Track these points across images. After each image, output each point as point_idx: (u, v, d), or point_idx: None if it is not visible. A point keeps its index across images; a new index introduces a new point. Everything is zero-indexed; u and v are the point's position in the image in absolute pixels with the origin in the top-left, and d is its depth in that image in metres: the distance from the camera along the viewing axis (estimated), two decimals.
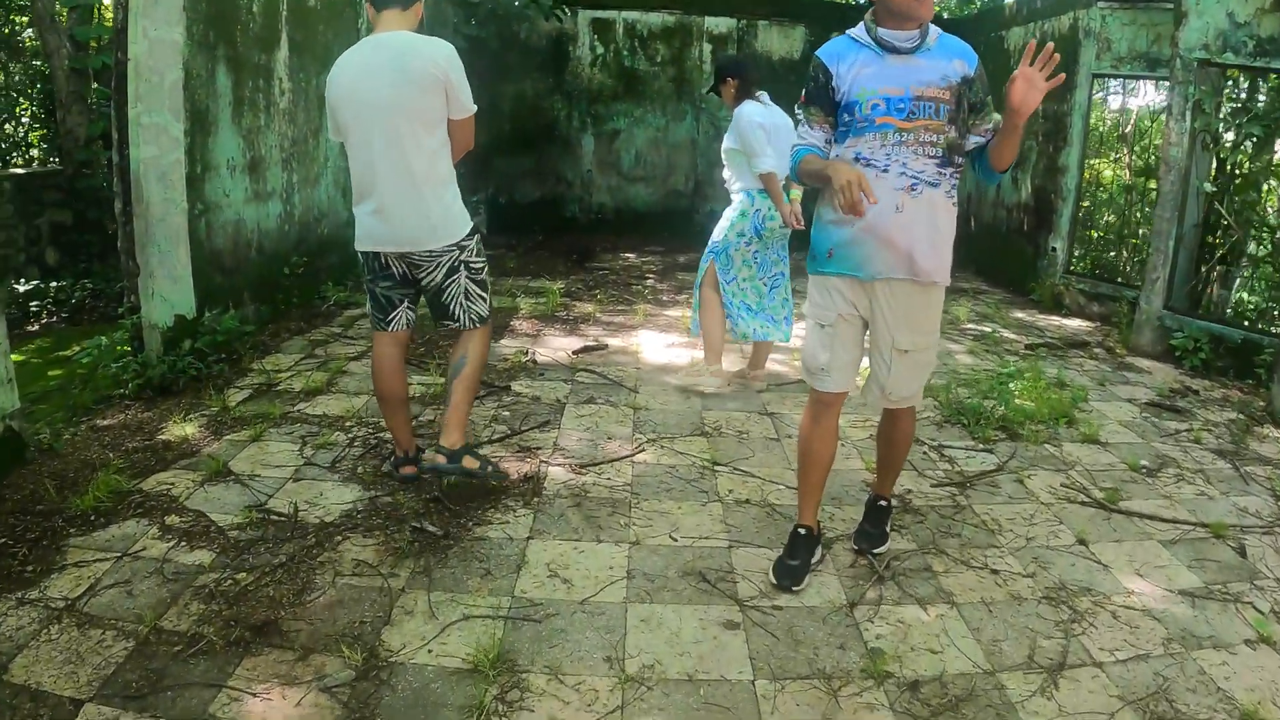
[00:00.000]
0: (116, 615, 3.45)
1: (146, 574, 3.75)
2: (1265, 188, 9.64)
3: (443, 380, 6.09)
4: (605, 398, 6.14)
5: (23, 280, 9.42)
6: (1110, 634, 3.60)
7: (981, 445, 5.57)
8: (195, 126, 6.34)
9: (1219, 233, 8.96)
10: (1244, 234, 8.89)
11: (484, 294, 4.56)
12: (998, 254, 11.33)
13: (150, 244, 5.99)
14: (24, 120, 12.78)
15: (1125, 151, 13.43)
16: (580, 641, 3.39)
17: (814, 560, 3.95)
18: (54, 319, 8.87)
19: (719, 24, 12.83)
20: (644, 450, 5.24)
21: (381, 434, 5.23)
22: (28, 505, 4.28)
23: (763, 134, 5.88)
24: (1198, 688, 3.29)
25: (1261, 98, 8.69)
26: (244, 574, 3.76)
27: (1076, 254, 10.91)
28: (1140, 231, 11.51)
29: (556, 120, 13.17)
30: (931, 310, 3.73)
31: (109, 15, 9.68)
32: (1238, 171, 8.96)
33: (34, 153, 12.53)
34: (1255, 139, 8.50)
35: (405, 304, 4.56)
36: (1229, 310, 10.75)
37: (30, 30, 12.12)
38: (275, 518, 4.26)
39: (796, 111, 3.76)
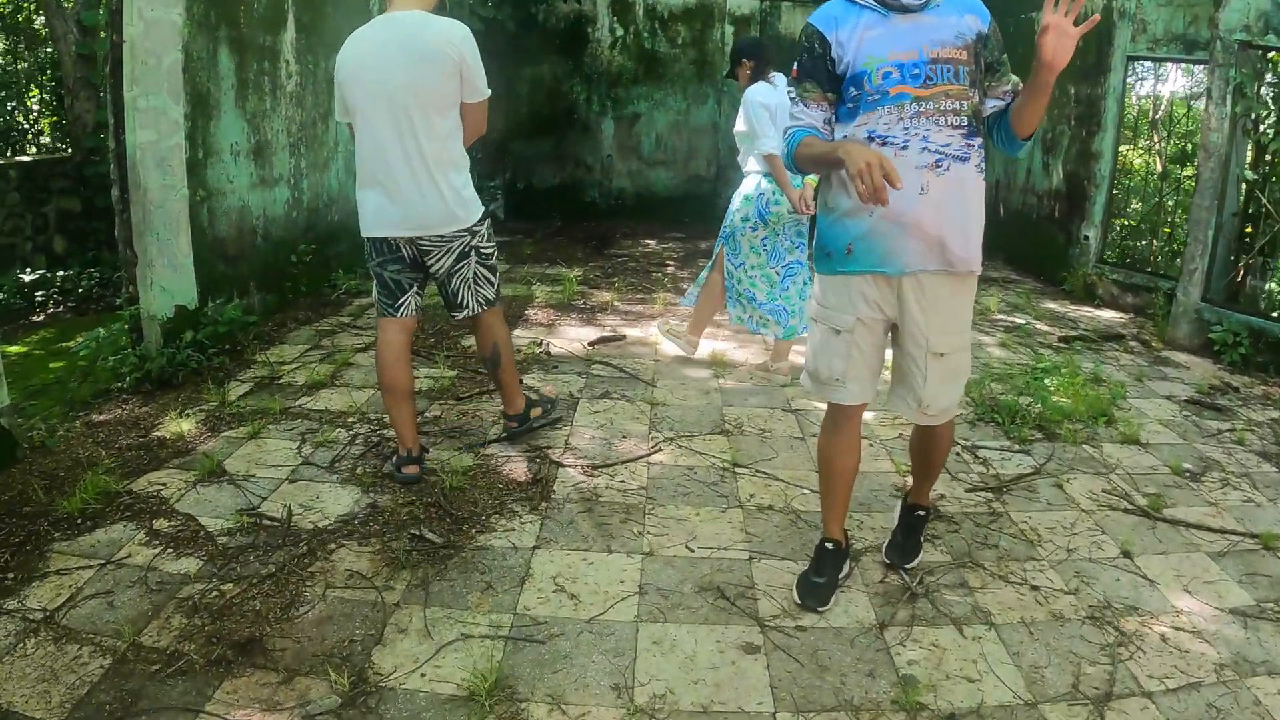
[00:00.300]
0: (95, 629, 3.25)
1: (129, 583, 3.54)
2: None
3: (451, 374, 6.02)
4: (621, 392, 5.89)
5: (29, 269, 9.24)
6: (1159, 659, 3.32)
7: (1018, 446, 5.27)
8: (196, 110, 6.12)
9: (1259, 222, 8.69)
10: None
11: (493, 279, 4.54)
12: (1028, 242, 10.97)
13: (148, 232, 5.77)
14: (34, 107, 12.62)
15: (1155, 138, 13.13)
16: (586, 666, 3.13)
17: (842, 575, 3.66)
18: (60, 309, 8.71)
19: (742, 5, 12.48)
20: (660, 450, 4.98)
21: (384, 431, 5.00)
22: (15, 507, 4.09)
23: (766, 114, 5.72)
24: None
25: None
26: (230, 585, 3.54)
27: (1109, 238, 10.60)
28: (1170, 220, 11.23)
29: (575, 104, 12.90)
30: (966, 303, 3.35)
31: None
32: (1278, 158, 8.65)
33: (45, 140, 12.36)
34: None
35: (414, 289, 4.46)
36: (1263, 302, 10.48)
37: (40, 16, 11.94)
38: (267, 522, 4.03)
39: (789, 90, 3.31)
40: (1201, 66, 10.57)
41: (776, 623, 3.42)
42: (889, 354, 3.45)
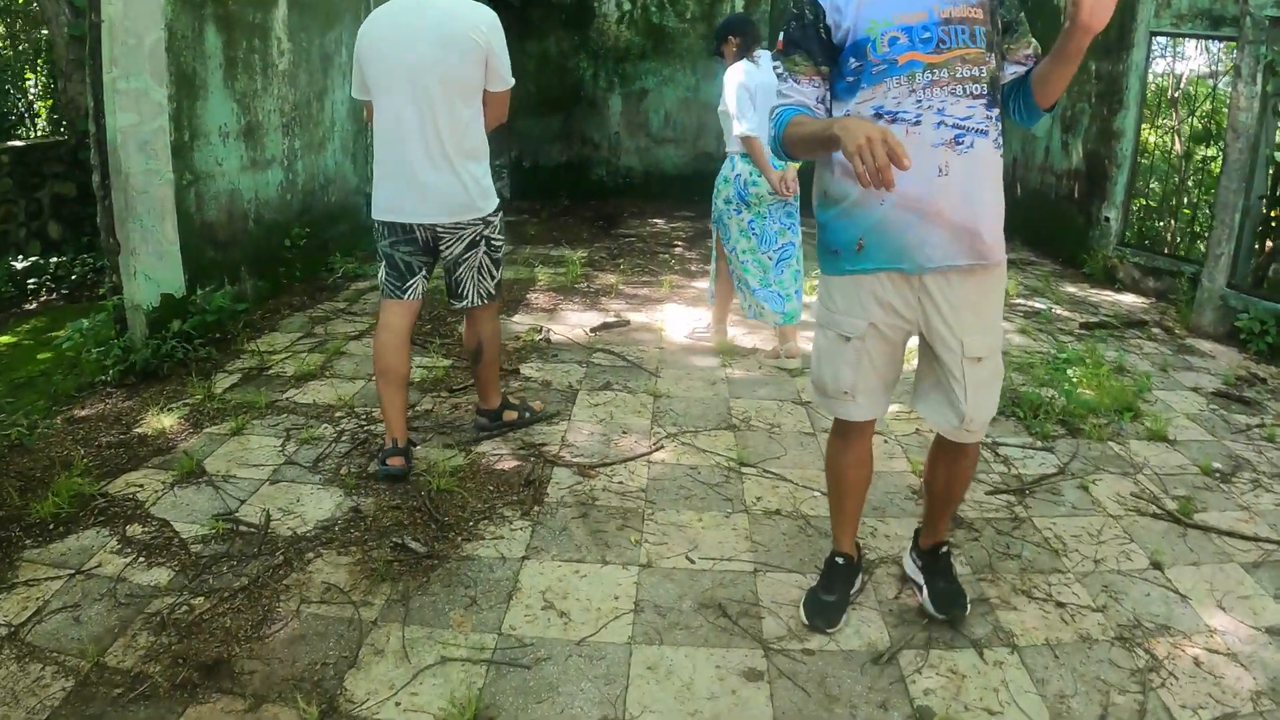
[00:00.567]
0: (60, 647, 3.06)
1: (98, 596, 3.34)
2: None
3: (445, 364, 5.85)
4: (623, 383, 5.64)
5: (22, 256, 9.03)
6: (1192, 686, 3.07)
7: (1040, 443, 5.00)
8: (181, 91, 5.90)
9: None
10: None
11: (496, 272, 4.48)
12: (1046, 223, 10.67)
13: (131, 219, 5.55)
14: (32, 91, 12.40)
15: (1175, 117, 12.83)
16: (574, 695, 2.89)
17: (854, 592, 3.41)
18: (53, 296, 8.50)
19: None
20: (662, 447, 4.74)
21: (372, 427, 4.79)
22: None
23: (745, 94, 5.54)
24: None
25: None
26: (201, 599, 3.33)
27: (1133, 218, 10.33)
28: (1190, 201, 10.95)
29: (582, 80, 12.64)
30: (998, 298, 2.96)
31: None
32: None
33: (41, 124, 12.14)
34: None
35: (423, 272, 4.39)
36: None
37: None
38: (244, 529, 3.82)
39: (774, 65, 2.89)
40: (1223, 44, 10.30)
41: (782, 645, 3.17)
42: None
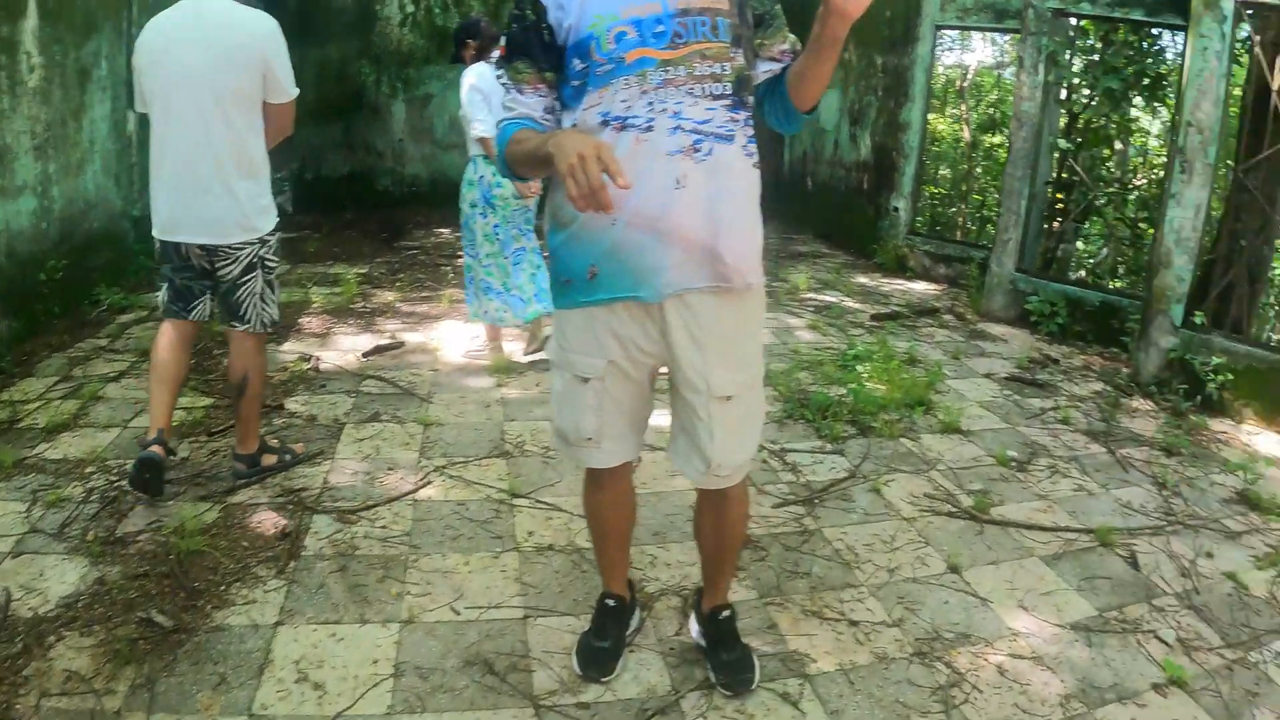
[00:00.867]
0: None
1: None
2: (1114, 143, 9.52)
3: (205, 403, 5.34)
4: (392, 412, 5.25)
5: None
6: (998, 699, 2.94)
7: (830, 445, 4.86)
8: None
9: (1070, 191, 8.70)
10: (1096, 191, 8.64)
11: (275, 295, 4.27)
12: (837, 215, 10.83)
13: None
14: None
15: (964, 107, 13.20)
16: None
17: (630, 632, 3.13)
18: None
19: None
20: (429, 483, 4.36)
21: (123, 482, 4.31)
22: None
23: (479, 96, 5.41)
24: None
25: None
26: None
27: (919, 207, 10.55)
28: (979, 188, 11.27)
29: (364, 86, 12.12)
30: (751, 328, 2.64)
31: None
32: (1090, 126, 8.67)
33: None
34: (1111, 92, 8.18)
35: (208, 295, 4.19)
36: (1079, 268, 10.59)
37: None
38: None
39: (497, 74, 2.57)
40: (1008, 36, 10.61)
41: (554, 700, 2.86)
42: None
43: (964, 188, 11.68)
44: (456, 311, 7.27)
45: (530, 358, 6.07)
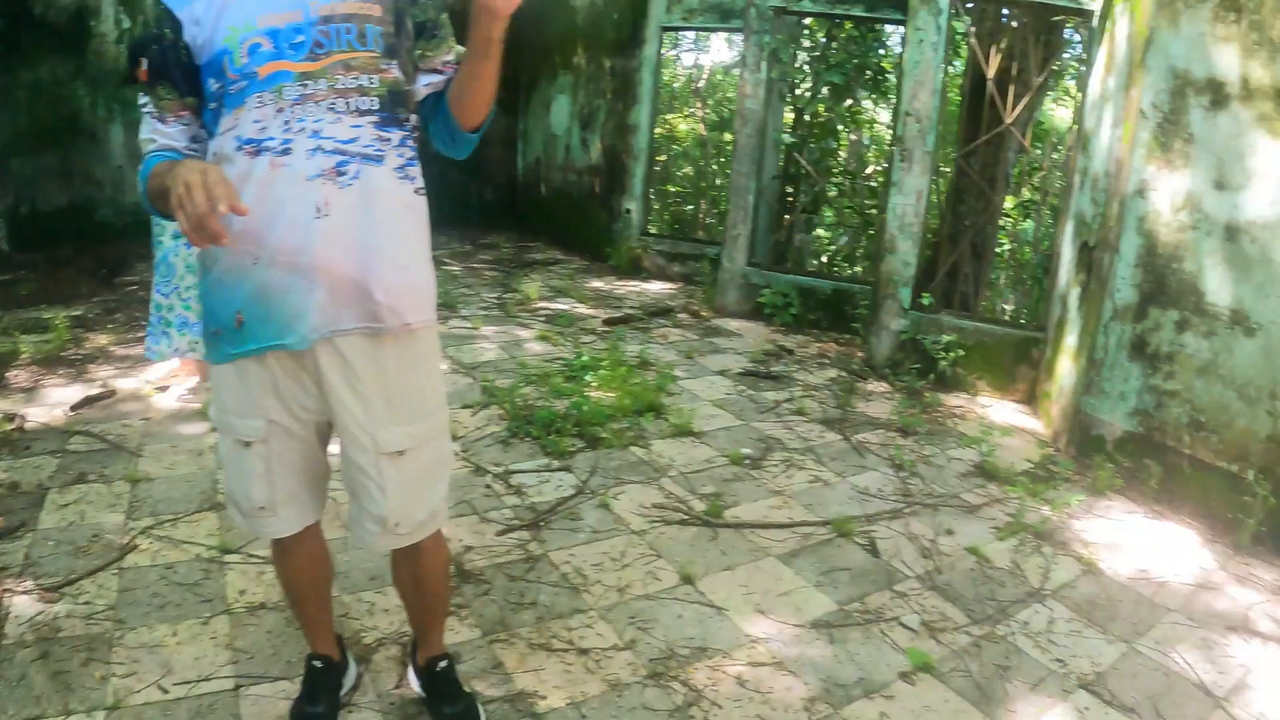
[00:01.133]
0: None
1: None
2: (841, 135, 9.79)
3: None
4: (100, 470, 4.61)
5: None
6: (739, 712, 2.73)
7: (557, 462, 4.53)
8: None
9: (799, 183, 8.83)
10: (824, 182, 8.81)
11: None
12: (571, 220, 10.73)
13: None
14: None
15: (700, 105, 13.34)
16: None
17: (346, 691, 2.74)
18: None
19: None
20: (136, 547, 3.83)
21: None
22: None
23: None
24: None
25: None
26: None
27: (657, 208, 10.57)
28: (717, 184, 11.38)
29: (80, 110, 11.09)
30: (421, 373, 2.29)
31: None
32: (815, 120, 8.80)
33: None
34: (834, 86, 8.35)
35: None
36: (818, 258, 10.83)
37: None
38: None
39: (140, 102, 2.26)
40: (740, 35, 10.79)
41: None
42: None
43: (703, 185, 11.78)
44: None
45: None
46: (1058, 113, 12.62)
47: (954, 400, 6.00)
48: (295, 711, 2.62)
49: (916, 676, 2.98)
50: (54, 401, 5.64)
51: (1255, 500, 4.23)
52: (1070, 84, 10.54)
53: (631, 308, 7.77)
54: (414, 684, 2.78)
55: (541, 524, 3.91)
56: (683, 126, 12.81)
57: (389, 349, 2.18)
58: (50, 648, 3.09)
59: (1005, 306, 10.81)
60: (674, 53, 13.53)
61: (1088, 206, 5.60)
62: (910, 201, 6.38)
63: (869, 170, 11.60)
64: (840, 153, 10.58)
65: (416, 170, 2.18)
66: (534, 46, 10.95)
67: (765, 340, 6.92)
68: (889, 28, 8.52)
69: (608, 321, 7.29)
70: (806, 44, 8.89)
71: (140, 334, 7.18)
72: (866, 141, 12.59)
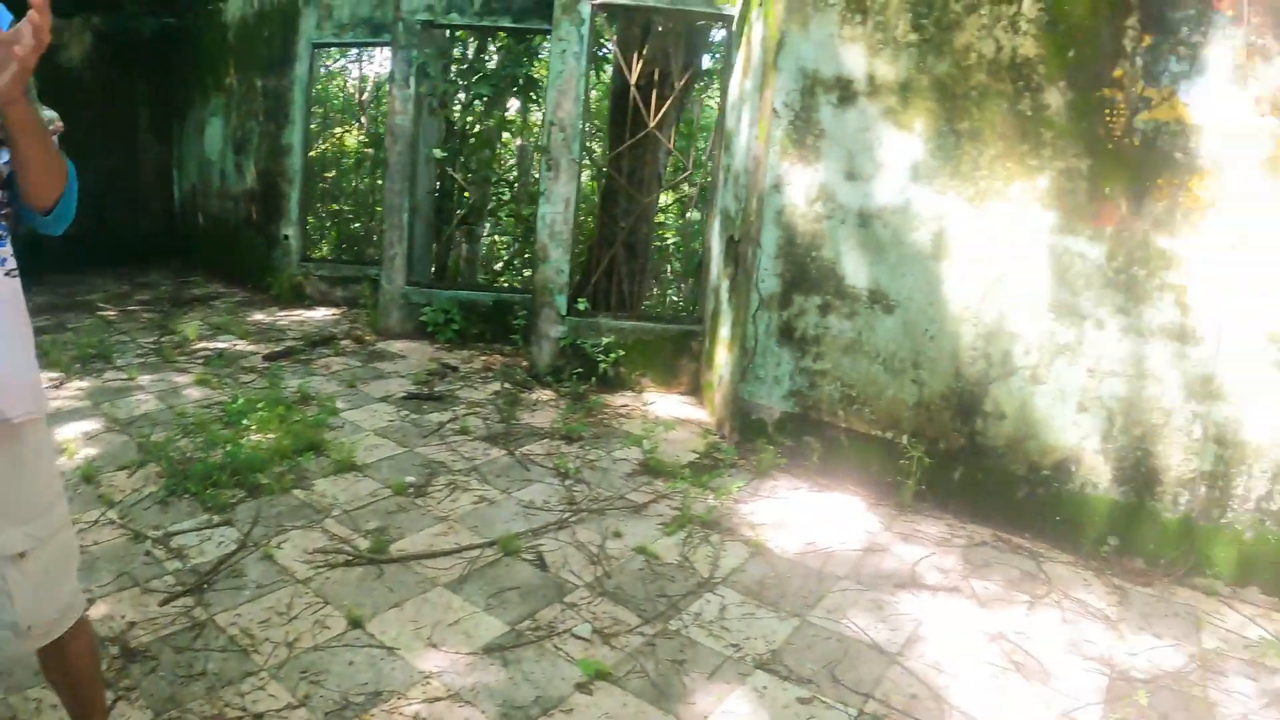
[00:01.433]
0: None
1: None
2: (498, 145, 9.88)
3: None
4: None
5: None
6: None
7: (218, 517, 4.34)
8: None
9: (457, 197, 8.89)
10: (483, 193, 8.92)
11: None
12: (230, 250, 10.29)
13: None
14: None
15: (364, 120, 13.11)
16: None
17: None
18: None
19: None
20: None
21: None
22: None
23: None
24: None
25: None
26: None
27: (328, 226, 10.38)
28: (374, 204, 11.24)
29: None
30: (32, 469, 2.17)
31: None
32: (470, 132, 8.91)
33: None
34: (485, 98, 8.45)
35: None
36: (485, 272, 10.92)
37: None
38: None
39: None
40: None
41: None
42: None
43: (371, 201, 11.61)
44: None
45: None
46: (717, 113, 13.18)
47: (619, 400, 6.26)
48: None
49: (594, 686, 3.14)
50: None
51: (912, 462, 4.78)
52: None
53: (294, 339, 7.61)
54: None
55: (205, 586, 3.77)
56: (351, 140, 12.57)
57: None
58: None
59: (678, 300, 11.31)
60: (339, 64, 13.23)
61: (731, 202, 6.03)
62: (559, 210, 6.61)
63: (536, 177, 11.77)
64: (499, 163, 10.70)
65: (6, 250, 2.06)
66: (185, 67, 10.46)
67: (429, 360, 6.97)
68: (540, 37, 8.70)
69: (268, 357, 7.04)
70: (457, 56, 8.95)
71: None
72: (532, 149, 12.73)
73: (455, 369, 6.82)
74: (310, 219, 10.38)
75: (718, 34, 8.11)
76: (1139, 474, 4.42)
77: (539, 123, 12.04)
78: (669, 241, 11.77)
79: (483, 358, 7.17)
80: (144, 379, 6.36)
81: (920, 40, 4.78)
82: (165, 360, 6.82)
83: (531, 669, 3.24)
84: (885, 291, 4.95)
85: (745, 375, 5.43)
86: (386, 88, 13.45)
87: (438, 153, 8.34)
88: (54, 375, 6.14)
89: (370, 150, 11.40)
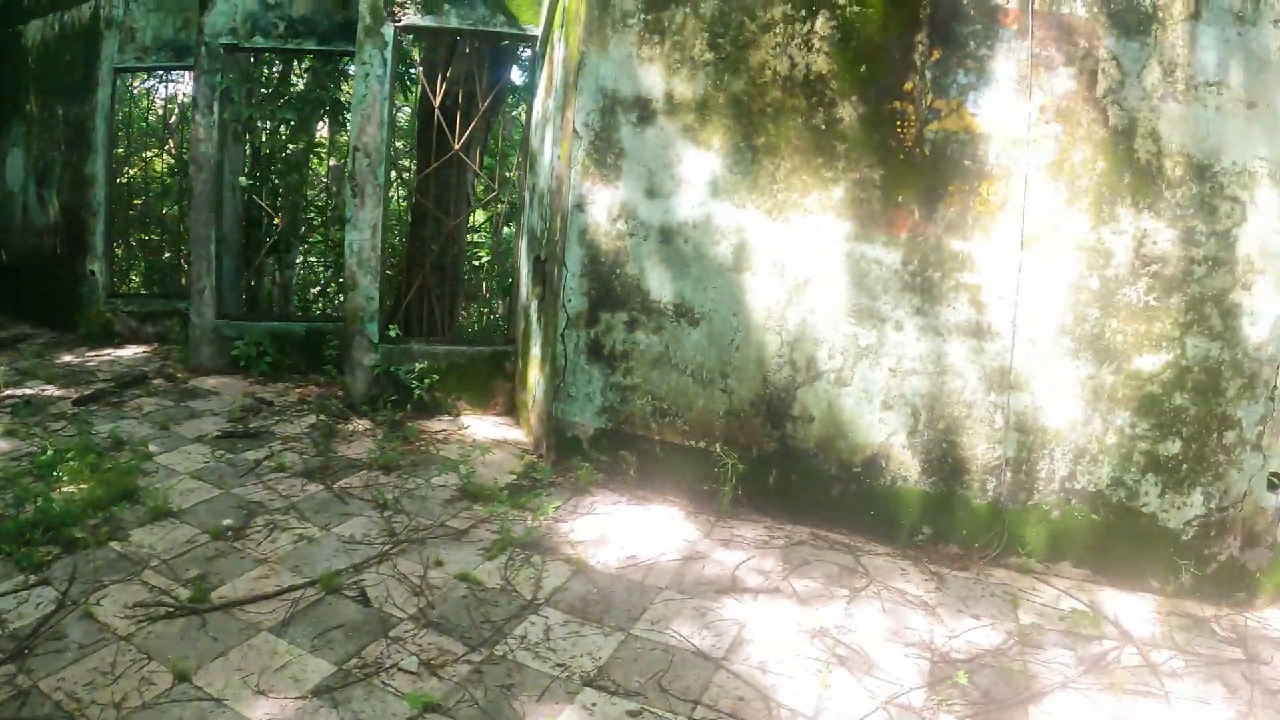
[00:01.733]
0: None
1: None
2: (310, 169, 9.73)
3: None
4: None
5: None
6: None
7: (35, 576, 4.15)
8: None
9: (266, 225, 8.76)
10: (294, 219, 8.82)
11: None
12: (36, 288, 9.80)
13: None
14: None
15: (172, 145, 12.71)
16: None
17: None
18: None
19: None
20: None
21: None
22: None
23: None
24: None
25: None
26: None
27: (139, 256, 10.05)
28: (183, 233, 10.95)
29: None
30: None
31: None
32: (277, 157, 8.82)
33: None
34: (291, 123, 8.37)
35: None
36: (301, 300, 10.74)
37: None
38: None
39: None
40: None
41: None
42: None
43: (181, 229, 11.26)
44: None
45: None
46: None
47: (436, 425, 6.30)
48: None
49: (424, 719, 3.19)
50: None
51: (726, 469, 5.02)
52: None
53: (104, 380, 7.34)
54: None
55: (26, 651, 3.62)
56: (160, 165, 12.16)
57: None
58: None
59: (496, 319, 11.34)
60: (148, 84, 12.78)
61: (537, 222, 6.18)
62: (366, 237, 6.62)
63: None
64: (310, 187, 10.56)
65: None
66: None
67: (243, 395, 6.86)
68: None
69: (77, 401, 6.75)
70: (264, 78, 8.83)
71: None
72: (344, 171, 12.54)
73: (270, 403, 6.74)
74: (119, 249, 9.97)
75: (528, 52, 8.25)
76: (947, 465, 4.79)
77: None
78: (483, 260, 11.81)
79: (298, 390, 7.10)
80: None
81: (717, 59, 5.03)
82: None
83: (361, 708, 3.26)
84: (690, 305, 5.18)
85: (558, 394, 5.58)
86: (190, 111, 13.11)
87: (244, 181, 8.20)
88: None
89: (178, 177, 11.10)
